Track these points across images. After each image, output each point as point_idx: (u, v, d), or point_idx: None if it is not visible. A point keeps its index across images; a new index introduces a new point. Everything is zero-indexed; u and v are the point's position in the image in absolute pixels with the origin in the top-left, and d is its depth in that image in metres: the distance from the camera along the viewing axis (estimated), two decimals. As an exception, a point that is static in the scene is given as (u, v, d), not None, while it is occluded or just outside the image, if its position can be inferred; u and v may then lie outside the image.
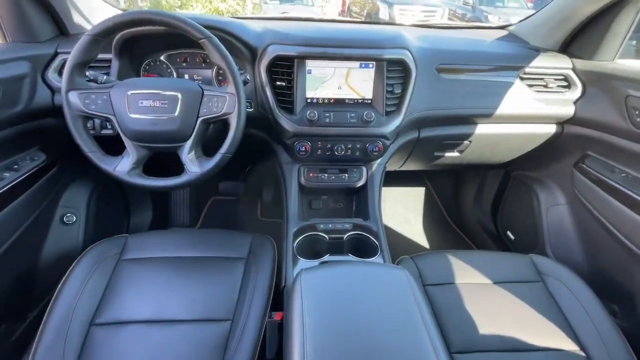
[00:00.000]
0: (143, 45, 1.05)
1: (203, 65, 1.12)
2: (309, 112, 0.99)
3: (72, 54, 0.80)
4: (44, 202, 1.07)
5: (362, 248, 0.98)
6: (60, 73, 1.02)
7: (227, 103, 0.84)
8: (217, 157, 0.86)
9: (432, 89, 1.09)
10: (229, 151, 0.86)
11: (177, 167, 0.89)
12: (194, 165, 0.87)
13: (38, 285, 1.07)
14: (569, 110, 1.15)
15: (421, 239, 1.75)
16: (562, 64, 1.14)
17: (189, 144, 0.86)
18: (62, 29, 1.07)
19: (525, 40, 1.27)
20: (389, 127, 1.03)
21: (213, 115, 0.85)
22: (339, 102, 1.05)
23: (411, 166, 1.43)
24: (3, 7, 0.92)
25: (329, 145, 1.05)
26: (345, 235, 0.97)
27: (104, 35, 0.81)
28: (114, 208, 1.41)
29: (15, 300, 0.99)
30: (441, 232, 1.82)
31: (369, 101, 1.05)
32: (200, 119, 0.85)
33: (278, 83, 1.00)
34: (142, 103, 0.82)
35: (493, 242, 1.60)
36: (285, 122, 1.01)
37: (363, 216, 1.10)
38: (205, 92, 0.85)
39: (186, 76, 1.14)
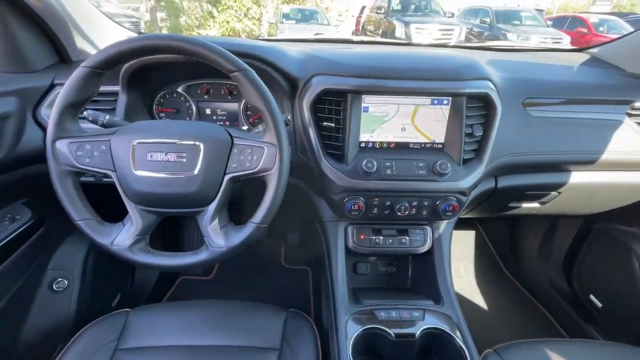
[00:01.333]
0: (157, 75, 0.85)
1: (229, 97, 0.92)
2: (365, 161, 0.76)
3: (62, 91, 0.59)
4: (30, 267, 0.85)
5: (439, 349, 0.73)
6: None
7: (265, 156, 0.62)
8: (249, 229, 0.63)
9: (519, 128, 0.85)
10: (265, 220, 0.63)
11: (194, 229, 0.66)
12: (217, 236, 0.64)
13: None
14: None
15: (476, 297, 1.47)
16: None
17: (211, 209, 0.63)
18: (62, 56, 0.89)
19: (618, 66, 1.03)
20: (468, 180, 0.79)
21: (245, 172, 0.63)
22: (402, 147, 0.81)
23: (478, 214, 1.17)
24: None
25: (388, 203, 0.81)
26: (418, 332, 0.71)
27: (106, 66, 0.60)
28: (115, 266, 1.19)
29: None
30: (498, 288, 1.53)
31: (440, 146, 0.82)
32: (227, 177, 0.63)
33: (325, 124, 0.78)
34: (151, 156, 0.60)
35: (568, 306, 1.31)
36: (334, 174, 0.78)
37: (433, 296, 0.84)
38: (236, 141, 0.63)
39: (208, 111, 0.93)
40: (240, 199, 0.78)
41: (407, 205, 0.81)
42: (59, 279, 0.93)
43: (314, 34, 7.98)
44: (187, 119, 0.93)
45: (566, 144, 0.87)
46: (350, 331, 0.71)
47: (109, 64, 0.59)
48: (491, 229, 1.68)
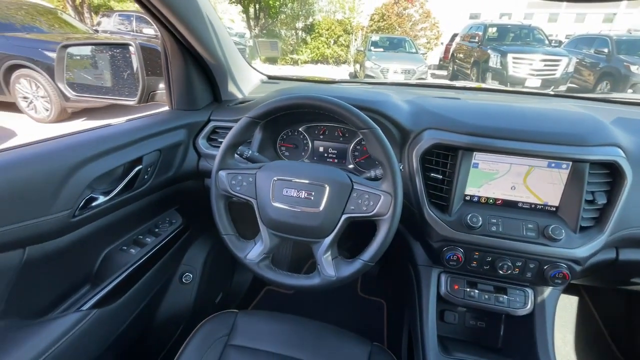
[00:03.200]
0: (287, 117, 1.02)
1: (341, 139, 1.04)
2: (470, 215, 0.78)
3: (229, 134, 0.77)
4: (174, 263, 1.07)
5: None
6: (208, 139, 1.05)
7: (381, 203, 0.70)
8: (357, 264, 0.71)
9: None
10: (372, 260, 0.71)
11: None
12: (329, 267, 0.73)
13: (154, 344, 1.05)
14: None
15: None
16: None
17: (327, 242, 0.73)
18: (216, 97, 1.12)
19: None
20: (585, 249, 0.75)
21: (361, 215, 0.71)
22: (509, 205, 0.81)
23: (590, 282, 1.07)
24: (177, 79, 0.99)
25: (489, 259, 0.81)
26: None
27: (263, 118, 0.76)
28: (222, 264, 1.39)
29: (124, 357, 0.98)
30: None
31: (553, 209, 0.79)
32: (345, 216, 0.72)
33: (432, 174, 0.83)
34: (287, 192, 0.74)
35: None
36: (436, 223, 0.82)
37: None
38: (355, 187, 0.73)
39: (321, 149, 1.06)
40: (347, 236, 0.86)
41: (510, 264, 0.80)
42: (187, 273, 1.15)
43: (402, 70, 8.04)
44: (303, 154, 1.08)
45: None
46: None
47: (267, 115, 0.76)
48: (599, 297, 1.47)
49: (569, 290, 1.51)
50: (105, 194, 0.75)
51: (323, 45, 13.70)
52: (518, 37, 9.19)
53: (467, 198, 0.83)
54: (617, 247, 0.85)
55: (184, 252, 1.14)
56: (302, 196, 0.73)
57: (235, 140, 0.77)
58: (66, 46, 0.92)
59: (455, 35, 11.52)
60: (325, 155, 1.07)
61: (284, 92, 0.77)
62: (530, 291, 0.85)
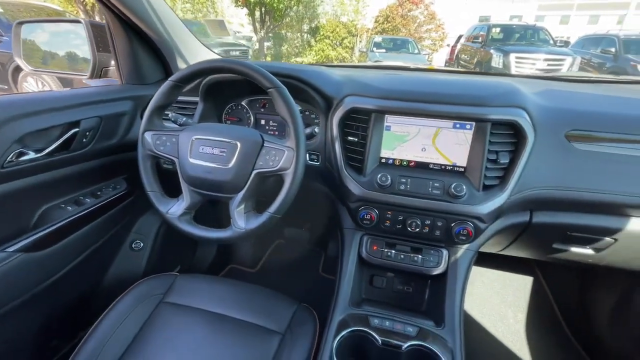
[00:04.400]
0: (228, 91, 1.07)
1: None
2: (380, 175, 0.82)
3: (153, 98, 0.83)
4: (117, 227, 1.13)
5: None
6: None
7: (285, 158, 0.75)
8: (264, 217, 0.76)
9: (558, 161, 0.80)
10: (278, 212, 0.75)
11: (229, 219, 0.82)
12: (240, 219, 0.78)
13: (96, 305, 1.12)
14: None
15: (522, 351, 1.30)
16: None
17: (239, 196, 0.78)
18: (167, 73, 1.19)
19: None
20: (487, 206, 0.78)
21: (268, 170, 0.76)
22: (421, 167, 0.85)
23: (519, 253, 1.08)
24: (122, 54, 1.06)
25: (400, 218, 0.85)
26: (405, 345, 0.72)
27: (183, 81, 0.82)
28: (180, 241, 1.45)
29: (71, 317, 1.04)
30: (555, 349, 1.32)
31: (462, 169, 0.83)
32: (255, 172, 0.77)
33: (349, 138, 0.87)
34: (202, 149, 0.79)
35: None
36: (352, 184, 0.86)
37: (436, 318, 0.83)
38: (265, 144, 0.78)
39: (262, 121, 1.11)
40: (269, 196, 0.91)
41: (418, 222, 0.83)
42: (137, 240, 1.21)
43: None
44: (247, 126, 1.13)
45: (619, 184, 0.77)
46: (339, 330, 0.76)
47: (185, 79, 0.82)
48: (554, 278, 1.47)
49: (524, 270, 1.52)
50: (38, 151, 0.82)
51: (328, 48, 13.80)
52: (523, 37, 9.10)
53: (383, 160, 0.87)
54: (532, 209, 0.87)
55: (135, 220, 1.21)
56: (216, 152, 0.78)
57: (159, 103, 0.83)
58: (21, 23, 1.00)
59: (460, 36, 11.48)
60: (267, 128, 1.12)
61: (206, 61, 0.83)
62: (445, 252, 0.88)
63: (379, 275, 1.00)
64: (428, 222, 0.83)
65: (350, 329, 0.75)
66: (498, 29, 9.29)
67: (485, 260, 1.60)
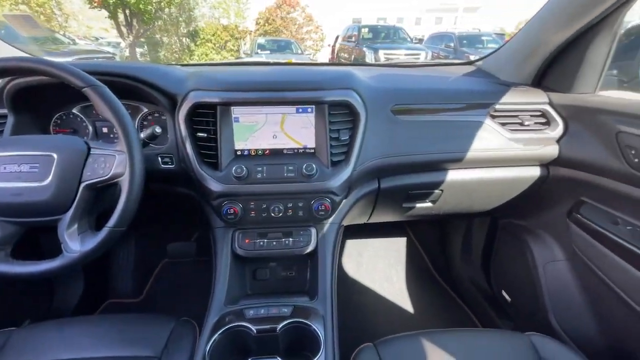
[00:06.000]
0: (53, 97, 0.90)
1: None
2: (235, 167, 0.82)
3: None
4: None
5: (304, 342, 0.75)
6: None
7: (117, 163, 0.67)
8: (103, 233, 0.67)
9: (388, 133, 0.92)
10: (120, 224, 0.67)
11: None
12: (73, 242, 0.67)
13: None
14: (552, 151, 0.98)
15: (405, 302, 1.49)
16: (537, 98, 1.00)
17: (68, 216, 0.67)
18: None
19: (494, 75, 1.15)
20: (336, 180, 0.85)
21: (99, 179, 0.67)
22: (276, 154, 0.88)
23: (382, 218, 1.23)
24: None
25: (264, 206, 0.86)
26: (279, 326, 0.74)
27: None
28: (31, 285, 1.18)
29: None
30: (428, 292, 1.56)
31: (312, 151, 0.88)
32: (83, 185, 0.67)
33: (200, 134, 0.84)
34: (5, 168, 0.65)
35: (487, 304, 1.35)
36: (209, 181, 0.83)
37: (311, 292, 0.87)
38: (92, 151, 0.68)
39: (105, 129, 0.98)
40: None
41: (281, 207, 0.86)
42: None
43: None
44: (85, 137, 0.98)
45: (434, 145, 0.95)
46: (213, 333, 0.73)
47: None
48: (421, 234, 1.73)
49: (399, 233, 1.75)
50: None
51: (212, 52, 13.20)
52: (387, 36, 10.43)
53: (239, 153, 0.86)
54: (379, 177, 0.99)
55: None
56: (25, 169, 0.65)
57: None
58: None
59: (337, 37, 12.43)
60: (112, 136, 0.99)
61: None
62: (313, 230, 0.93)
63: (262, 268, 1.00)
64: (290, 204, 0.86)
65: (223, 328, 0.73)
66: (367, 29, 10.44)
67: (369, 231, 1.77)
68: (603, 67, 0.93)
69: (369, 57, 8.96)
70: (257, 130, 0.86)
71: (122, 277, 1.46)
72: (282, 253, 0.91)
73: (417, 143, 0.94)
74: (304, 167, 0.83)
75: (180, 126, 0.84)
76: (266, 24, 14.09)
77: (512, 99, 0.98)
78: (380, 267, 1.65)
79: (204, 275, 1.59)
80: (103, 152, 0.68)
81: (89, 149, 0.68)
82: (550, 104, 0.99)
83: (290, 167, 0.84)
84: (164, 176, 0.92)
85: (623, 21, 0.86)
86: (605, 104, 0.87)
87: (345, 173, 0.86)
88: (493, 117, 0.98)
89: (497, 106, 0.98)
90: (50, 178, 0.65)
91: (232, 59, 13.20)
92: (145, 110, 0.93)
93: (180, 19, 12.78)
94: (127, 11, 11.19)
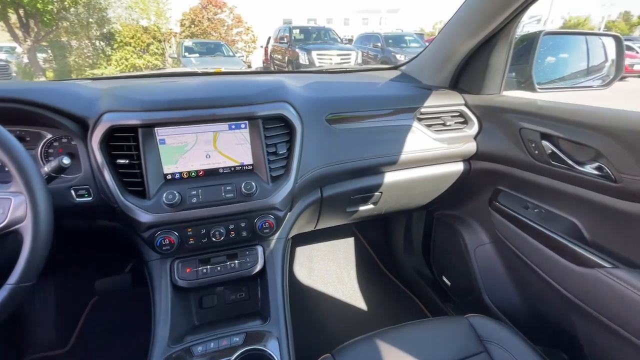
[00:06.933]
0: None
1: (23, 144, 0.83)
2: (166, 193, 0.75)
3: None
4: None
5: None
6: None
7: (14, 207, 0.56)
8: (4, 292, 0.56)
9: (325, 142, 0.93)
10: (26, 278, 0.57)
11: None
12: None
13: None
14: (471, 147, 1.09)
15: (358, 300, 1.54)
16: (455, 100, 1.10)
17: None
18: None
19: (416, 79, 1.23)
20: (278, 195, 0.83)
21: None
22: (211, 174, 0.82)
23: (328, 224, 1.24)
24: None
25: (203, 231, 0.81)
26: (232, 358, 0.70)
27: None
28: None
29: None
30: (378, 286, 1.63)
31: (250, 167, 0.85)
32: None
33: (120, 161, 0.75)
34: None
35: (431, 290, 1.46)
36: (136, 211, 0.74)
37: (263, 314, 0.85)
38: None
39: (-4, 163, 0.82)
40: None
41: (222, 230, 0.81)
42: None
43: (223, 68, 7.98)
44: None
45: (368, 150, 0.98)
46: None
47: None
48: (367, 232, 1.80)
49: (346, 234, 1.80)
50: None
51: (132, 56, 12.09)
52: (319, 37, 10.61)
53: (169, 177, 0.80)
54: (321, 186, 1.00)
55: None
56: None
57: None
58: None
59: (269, 38, 12.29)
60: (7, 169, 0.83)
61: None
62: (259, 248, 0.90)
63: (208, 294, 0.94)
64: (232, 226, 0.82)
65: None
66: (298, 30, 10.50)
67: (317, 236, 1.79)
68: (504, 70, 1.05)
69: (303, 58, 9.04)
70: (188, 151, 0.79)
71: (42, 327, 1.26)
72: (228, 277, 0.86)
73: (354, 150, 0.97)
74: (242, 185, 0.79)
75: (95, 153, 0.74)
76: (192, 26, 13.32)
77: (434, 102, 1.07)
78: (332, 269, 1.68)
79: (143, 309, 1.45)
80: (-7, 196, 0.57)
81: None
82: (466, 104, 1.09)
83: (228, 187, 0.80)
84: (80, 211, 0.80)
85: (516, 31, 0.99)
86: (509, 103, 1.00)
87: (287, 187, 0.84)
88: (419, 119, 1.06)
89: (422, 109, 1.05)
90: None
91: (157, 63, 12.27)
92: (50, 136, 0.81)
93: (91, 20, 11.44)
94: (22, 11, 9.66)
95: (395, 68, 1.42)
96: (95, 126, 0.75)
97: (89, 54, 11.84)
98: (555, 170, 0.86)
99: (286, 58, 10.05)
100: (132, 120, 0.74)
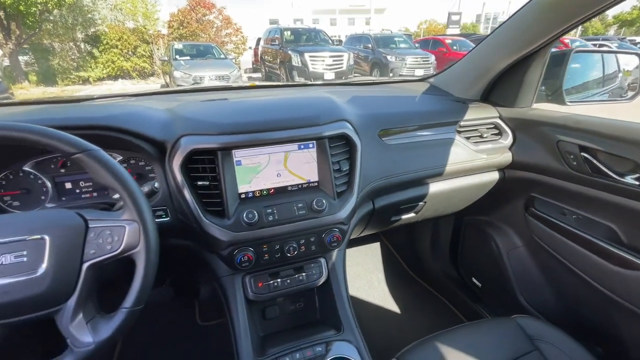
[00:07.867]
0: None
1: None
2: (246, 212, 0.78)
3: None
4: None
5: None
6: None
7: (128, 235, 0.59)
8: (120, 316, 0.58)
9: (379, 157, 0.98)
10: (138, 303, 0.59)
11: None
12: (83, 334, 0.57)
13: None
14: (507, 157, 1.15)
15: (389, 303, 1.60)
16: (489, 113, 1.16)
17: (70, 305, 0.57)
18: None
19: (447, 91, 1.29)
20: (344, 211, 0.88)
21: (107, 256, 0.58)
22: (281, 191, 0.86)
23: (370, 232, 1.29)
24: None
25: (277, 247, 0.84)
26: None
27: None
28: None
29: None
30: (407, 290, 1.69)
31: (316, 184, 0.89)
32: (86, 265, 0.58)
33: (200, 183, 0.78)
34: None
35: (460, 291, 1.53)
36: (217, 231, 0.78)
37: (334, 324, 0.89)
38: (91, 224, 0.59)
39: (69, 185, 0.84)
40: (116, 280, 0.71)
41: (295, 245, 0.85)
42: None
43: (216, 76, 7.92)
44: (43, 198, 0.82)
45: (418, 163, 1.04)
46: None
47: None
48: (393, 238, 1.86)
49: (373, 240, 1.86)
50: None
51: (119, 58, 11.83)
52: (309, 38, 10.61)
53: (243, 196, 0.83)
54: (372, 198, 1.05)
55: None
56: (8, 262, 0.53)
57: None
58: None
59: (259, 39, 12.23)
60: (78, 191, 0.85)
61: None
62: (322, 260, 0.95)
63: (270, 306, 0.98)
64: (303, 241, 0.86)
65: None
66: (289, 32, 10.47)
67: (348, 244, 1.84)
68: (537, 85, 1.13)
69: (295, 60, 9.03)
70: (261, 171, 0.83)
71: None
72: (296, 289, 0.90)
73: (404, 163, 1.02)
74: (314, 202, 0.83)
75: (176, 175, 0.77)
76: (181, 27, 13.12)
77: (471, 115, 1.13)
78: (361, 273, 1.73)
79: (185, 320, 1.47)
80: (108, 225, 0.59)
81: (86, 222, 0.59)
82: (500, 117, 1.16)
83: (299, 204, 0.84)
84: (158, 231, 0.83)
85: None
86: (544, 117, 1.07)
87: (352, 202, 0.89)
88: (459, 132, 1.12)
89: (462, 122, 1.11)
90: (44, 266, 0.54)
91: (145, 66, 12.06)
92: (120, 157, 0.83)
93: (76, 22, 11.12)
94: (2, 13, 9.33)
95: (422, 80, 1.48)
96: (173, 149, 0.78)
97: (73, 57, 11.52)
98: (594, 179, 0.93)
99: (278, 60, 10.02)
100: (212, 143, 0.77)
